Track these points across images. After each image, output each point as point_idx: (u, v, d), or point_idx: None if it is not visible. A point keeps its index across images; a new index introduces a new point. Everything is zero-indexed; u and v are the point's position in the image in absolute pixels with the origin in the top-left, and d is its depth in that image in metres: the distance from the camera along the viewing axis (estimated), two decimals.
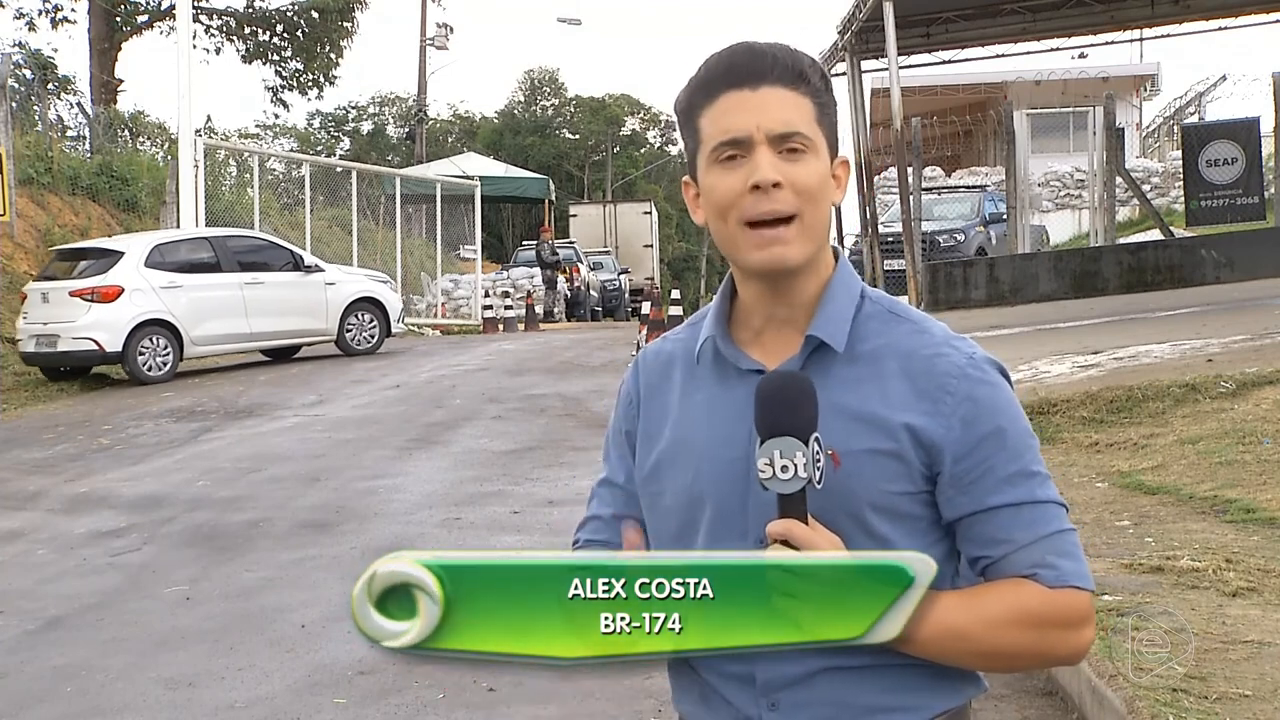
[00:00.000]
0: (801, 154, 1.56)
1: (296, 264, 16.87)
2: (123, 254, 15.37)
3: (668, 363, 1.72)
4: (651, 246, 36.02)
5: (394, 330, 17.91)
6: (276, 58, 32.67)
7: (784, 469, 1.45)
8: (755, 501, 1.55)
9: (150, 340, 15.18)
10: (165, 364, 15.28)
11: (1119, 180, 20.89)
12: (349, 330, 17.15)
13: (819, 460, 1.46)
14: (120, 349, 14.93)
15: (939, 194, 24.83)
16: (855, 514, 1.54)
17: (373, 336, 17.37)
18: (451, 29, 40.35)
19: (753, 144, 1.55)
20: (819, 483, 1.46)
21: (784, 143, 1.55)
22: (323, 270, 17.16)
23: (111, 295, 14.95)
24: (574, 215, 36.39)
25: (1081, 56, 32.25)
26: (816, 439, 1.46)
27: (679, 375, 1.69)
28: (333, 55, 32.38)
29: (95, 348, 14.91)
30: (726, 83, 1.58)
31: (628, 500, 1.71)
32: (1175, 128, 33.23)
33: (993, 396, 1.57)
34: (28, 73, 25.59)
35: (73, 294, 14.99)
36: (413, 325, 23.56)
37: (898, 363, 1.58)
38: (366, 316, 17.35)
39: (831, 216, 1.65)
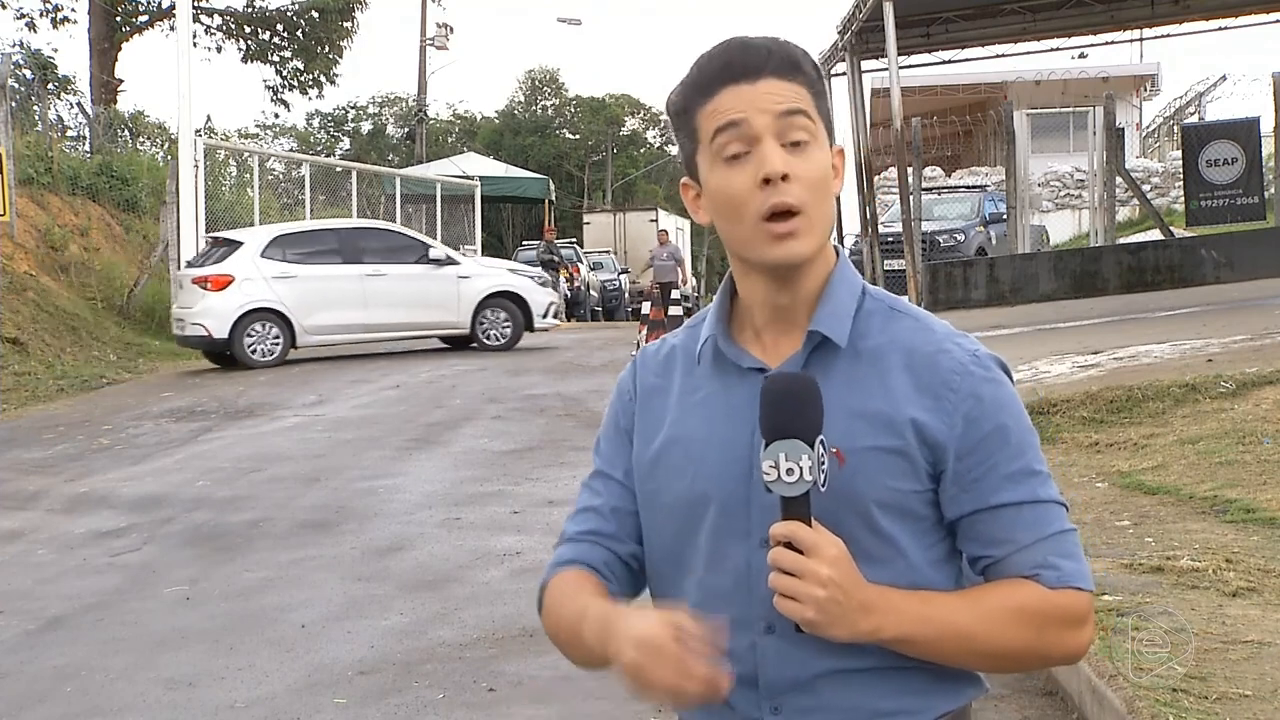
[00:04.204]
0: (806, 145, 1.55)
1: (428, 257, 17.03)
2: (242, 244, 16.08)
3: (666, 363, 1.70)
4: None
5: (537, 326, 17.49)
6: (276, 58, 32.70)
7: (789, 472, 1.44)
8: (758, 502, 1.54)
9: (260, 327, 15.80)
10: (274, 351, 15.88)
11: (1119, 180, 20.88)
12: (482, 324, 17.18)
13: (824, 463, 1.45)
14: (227, 335, 15.63)
15: (939, 194, 24.83)
16: (862, 512, 1.53)
17: (506, 333, 17.27)
18: (451, 29, 40.27)
19: (758, 137, 1.53)
20: (824, 485, 1.46)
21: (789, 127, 1.54)
22: (456, 264, 17.26)
23: (222, 284, 15.65)
24: (587, 223, 38.65)
25: (1081, 56, 32.24)
26: (822, 441, 1.45)
27: (678, 375, 1.68)
28: (333, 55, 32.41)
29: (205, 333, 15.67)
30: (724, 79, 1.55)
31: (622, 493, 1.69)
32: (1175, 128, 33.22)
33: (996, 394, 1.56)
34: (28, 73, 25.57)
35: (194, 281, 15.86)
36: None
37: (901, 358, 1.57)
38: (500, 313, 17.26)
39: (834, 209, 1.64)
